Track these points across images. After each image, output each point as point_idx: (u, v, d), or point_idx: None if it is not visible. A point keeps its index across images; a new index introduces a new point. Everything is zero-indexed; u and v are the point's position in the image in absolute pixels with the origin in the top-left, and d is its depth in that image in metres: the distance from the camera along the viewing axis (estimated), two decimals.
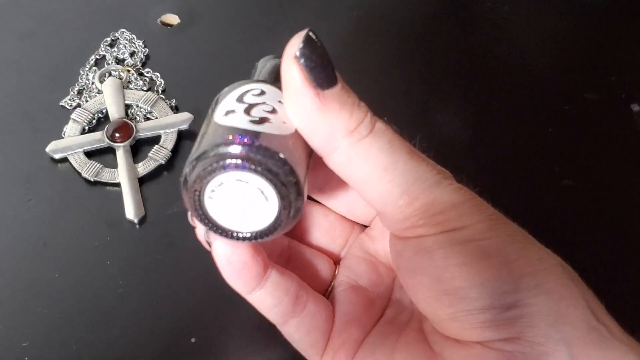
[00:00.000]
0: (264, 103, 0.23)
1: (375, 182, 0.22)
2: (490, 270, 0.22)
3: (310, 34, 0.21)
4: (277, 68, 0.25)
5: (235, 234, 0.24)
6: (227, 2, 0.47)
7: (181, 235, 0.36)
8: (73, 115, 0.40)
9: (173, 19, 0.46)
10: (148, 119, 0.40)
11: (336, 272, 0.30)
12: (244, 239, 0.24)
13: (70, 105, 0.41)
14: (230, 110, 0.22)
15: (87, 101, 0.41)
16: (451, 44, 0.46)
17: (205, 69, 0.43)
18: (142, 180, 0.38)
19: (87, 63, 0.43)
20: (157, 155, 0.38)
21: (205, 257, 0.32)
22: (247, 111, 0.22)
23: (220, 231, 0.24)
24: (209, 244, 0.25)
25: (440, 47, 0.46)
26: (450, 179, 0.23)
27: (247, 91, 0.23)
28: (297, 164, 0.22)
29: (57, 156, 0.38)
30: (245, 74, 0.44)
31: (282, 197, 0.22)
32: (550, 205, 0.38)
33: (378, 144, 0.22)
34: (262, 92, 0.23)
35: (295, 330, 0.27)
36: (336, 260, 0.30)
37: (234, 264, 0.25)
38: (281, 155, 0.21)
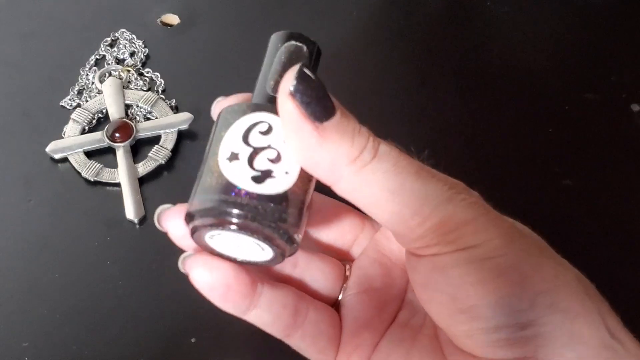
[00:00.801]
0: (269, 147, 0.23)
1: (384, 205, 0.22)
2: (505, 289, 0.22)
3: (304, 69, 0.21)
4: (292, 57, 0.25)
5: (233, 259, 0.25)
6: (227, 2, 0.47)
7: None
8: (73, 115, 0.40)
9: (173, 19, 0.46)
10: (148, 119, 0.40)
11: (347, 274, 0.29)
12: (242, 262, 0.25)
13: (70, 105, 0.41)
14: (235, 153, 0.23)
15: (87, 101, 0.41)
16: (451, 43, 0.46)
17: (205, 69, 0.43)
18: (142, 180, 0.38)
19: (87, 63, 0.43)
20: (157, 155, 0.38)
21: None
22: (251, 161, 0.23)
23: (219, 255, 0.25)
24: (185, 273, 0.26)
25: (440, 47, 0.46)
26: (463, 193, 0.23)
27: (254, 125, 0.23)
28: (295, 223, 0.23)
29: (57, 156, 0.38)
30: (245, 73, 0.44)
31: (279, 252, 0.24)
32: (550, 206, 0.38)
33: (383, 167, 0.22)
34: (269, 129, 0.23)
35: (300, 341, 0.27)
36: (345, 257, 0.30)
37: (217, 289, 0.25)
38: (280, 223, 0.22)
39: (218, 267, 0.24)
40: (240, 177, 0.23)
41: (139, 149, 0.39)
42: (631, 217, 0.38)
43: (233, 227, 0.22)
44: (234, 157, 0.23)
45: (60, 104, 0.41)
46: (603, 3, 0.48)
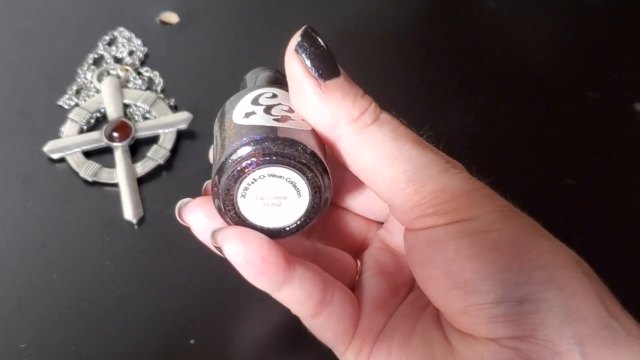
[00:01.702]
0: (280, 104, 0.24)
1: (381, 170, 0.22)
2: (501, 262, 0.22)
3: (309, 29, 0.22)
4: (271, 78, 0.26)
5: (267, 229, 0.24)
6: (226, 1, 0.47)
7: (180, 235, 0.35)
8: (71, 115, 0.40)
9: (172, 17, 0.46)
10: (147, 118, 0.40)
11: (358, 266, 0.29)
12: (280, 231, 0.25)
13: (68, 105, 0.40)
14: (250, 112, 0.23)
15: (85, 100, 0.41)
16: (451, 43, 0.46)
17: (205, 68, 0.43)
18: (141, 180, 0.38)
19: (85, 62, 0.42)
20: (156, 155, 0.38)
21: (204, 258, 0.31)
22: (267, 111, 0.23)
23: (252, 228, 0.24)
24: (219, 250, 0.24)
25: (441, 46, 0.45)
26: (459, 169, 0.23)
27: (260, 94, 0.24)
28: (322, 155, 0.23)
29: (54, 156, 0.38)
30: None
31: (313, 186, 0.23)
32: (552, 205, 0.38)
33: (382, 131, 0.22)
34: (275, 95, 0.24)
35: (326, 320, 0.26)
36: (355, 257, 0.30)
37: (252, 261, 0.23)
38: (308, 148, 0.22)
39: (253, 239, 0.24)
40: (263, 120, 0.23)
41: (137, 148, 0.39)
42: (634, 216, 0.38)
43: (268, 157, 0.22)
44: (249, 114, 0.23)
45: (58, 103, 0.41)
46: (605, 1, 0.48)
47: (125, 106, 0.40)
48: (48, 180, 0.38)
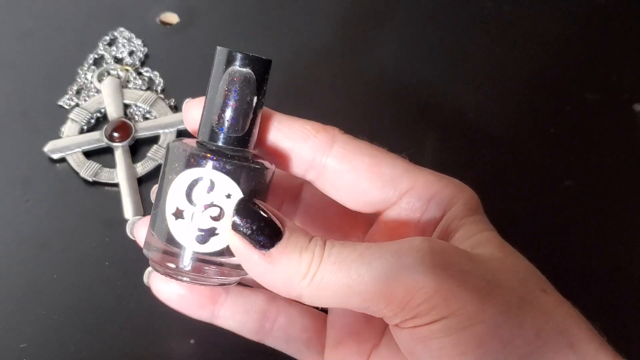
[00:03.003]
0: (212, 205, 0.24)
1: (350, 300, 0.23)
2: (487, 357, 0.22)
3: (242, 203, 0.23)
4: (235, 88, 0.25)
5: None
6: (226, 1, 0.47)
7: None
8: (71, 115, 0.40)
9: (172, 18, 0.46)
10: (147, 118, 0.40)
11: None
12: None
13: (69, 105, 0.40)
14: (181, 210, 0.24)
15: (85, 101, 0.41)
16: (451, 43, 0.46)
17: (205, 69, 0.43)
18: (141, 180, 0.38)
19: (85, 62, 0.42)
20: (156, 155, 0.38)
21: None
22: (195, 220, 0.24)
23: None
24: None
25: (440, 46, 0.45)
26: (408, 253, 0.22)
27: (197, 181, 0.24)
28: (238, 267, 0.25)
29: (55, 156, 0.38)
30: None
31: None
32: (551, 206, 0.38)
33: (329, 268, 0.22)
34: (212, 186, 0.24)
35: (274, 345, 0.29)
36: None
37: (170, 300, 0.28)
38: (222, 278, 0.25)
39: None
40: (186, 237, 0.24)
41: (137, 148, 0.39)
42: (633, 217, 0.38)
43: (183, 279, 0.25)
44: (179, 214, 0.24)
45: (59, 103, 0.41)
46: (605, 2, 0.48)
47: (126, 106, 0.40)
48: (48, 180, 0.38)
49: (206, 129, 0.25)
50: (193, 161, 0.24)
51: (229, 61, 0.25)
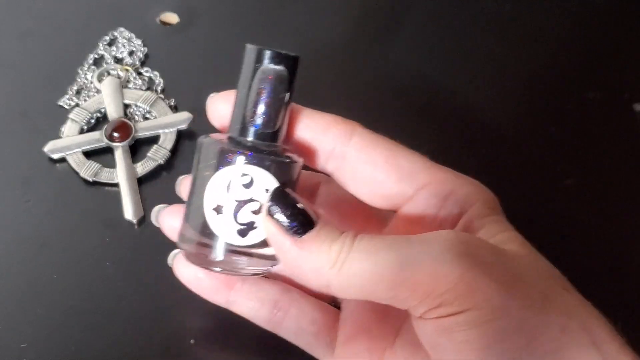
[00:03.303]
0: (251, 200, 0.25)
1: (377, 289, 0.23)
2: (511, 353, 0.22)
3: (278, 190, 0.24)
4: (268, 86, 0.25)
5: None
6: (227, 1, 0.47)
7: None
8: (71, 115, 0.40)
9: (172, 17, 0.46)
10: (147, 118, 0.40)
11: None
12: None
13: (69, 105, 0.41)
14: (221, 205, 0.25)
15: (85, 101, 0.41)
16: (451, 43, 0.46)
17: (205, 69, 0.43)
18: (141, 180, 0.38)
19: (85, 62, 0.42)
20: (156, 155, 0.38)
21: None
22: (235, 215, 0.25)
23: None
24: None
25: (440, 46, 0.45)
26: (433, 242, 0.23)
27: (236, 177, 0.25)
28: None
29: (55, 156, 0.38)
30: None
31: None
32: (551, 205, 0.38)
33: (358, 256, 0.23)
34: (251, 182, 0.24)
35: (286, 335, 0.30)
36: None
37: (190, 282, 0.30)
38: (261, 268, 0.26)
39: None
40: (226, 231, 0.25)
41: (137, 148, 0.39)
42: (633, 217, 0.38)
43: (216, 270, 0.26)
44: (220, 209, 0.25)
45: (59, 103, 0.41)
46: (604, 2, 0.48)
47: (126, 106, 0.40)
48: (48, 180, 0.38)
49: (238, 125, 0.26)
50: (230, 158, 0.25)
51: (259, 59, 0.26)
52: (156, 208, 0.30)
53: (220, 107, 0.27)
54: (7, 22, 0.45)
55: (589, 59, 0.45)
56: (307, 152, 0.27)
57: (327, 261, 0.23)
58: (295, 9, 0.47)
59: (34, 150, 0.38)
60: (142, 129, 0.39)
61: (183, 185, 0.29)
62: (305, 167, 0.27)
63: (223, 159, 0.25)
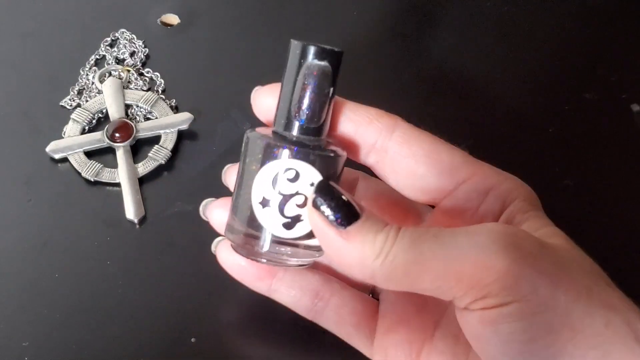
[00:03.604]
0: (297, 194, 0.25)
1: (422, 280, 0.23)
2: (556, 345, 0.22)
3: (323, 182, 0.24)
4: (314, 82, 0.26)
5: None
6: (227, 2, 0.47)
7: (181, 235, 0.36)
8: (73, 115, 0.40)
9: (173, 19, 0.46)
10: (148, 119, 0.40)
11: None
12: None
13: (70, 105, 0.41)
14: (267, 199, 0.25)
15: (87, 101, 0.41)
16: (451, 43, 0.46)
17: (206, 69, 0.43)
18: (142, 180, 0.38)
19: (87, 63, 0.43)
20: (157, 155, 0.38)
21: (205, 257, 0.32)
22: (282, 208, 0.25)
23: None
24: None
25: (440, 46, 0.46)
26: (482, 233, 0.23)
27: (282, 171, 0.25)
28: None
29: (57, 156, 0.38)
30: (246, 73, 0.44)
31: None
32: (550, 206, 0.38)
33: (402, 247, 0.23)
34: (297, 176, 0.25)
35: (326, 324, 0.30)
36: None
37: (232, 269, 0.29)
38: (306, 259, 0.27)
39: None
40: (272, 224, 0.25)
41: (139, 149, 0.39)
42: (632, 217, 0.38)
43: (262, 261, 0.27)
44: (266, 202, 0.25)
45: (60, 103, 0.41)
46: (603, 3, 0.48)
47: (127, 107, 0.41)
48: (50, 180, 0.38)
49: (283, 119, 0.26)
50: (277, 152, 0.25)
51: (304, 54, 0.26)
52: (205, 202, 0.30)
53: (264, 100, 0.27)
54: (10, 22, 0.45)
55: (588, 59, 0.45)
56: (349, 144, 0.27)
57: (372, 252, 0.23)
58: (295, 10, 0.47)
59: (36, 150, 0.38)
60: (143, 129, 0.39)
61: (229, 174, 0.29)
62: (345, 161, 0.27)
63: (269, 154, 0.25)
